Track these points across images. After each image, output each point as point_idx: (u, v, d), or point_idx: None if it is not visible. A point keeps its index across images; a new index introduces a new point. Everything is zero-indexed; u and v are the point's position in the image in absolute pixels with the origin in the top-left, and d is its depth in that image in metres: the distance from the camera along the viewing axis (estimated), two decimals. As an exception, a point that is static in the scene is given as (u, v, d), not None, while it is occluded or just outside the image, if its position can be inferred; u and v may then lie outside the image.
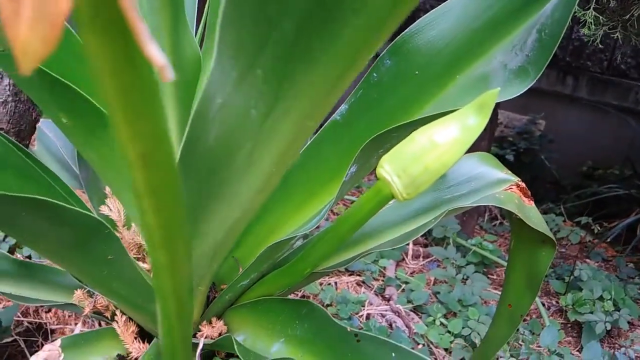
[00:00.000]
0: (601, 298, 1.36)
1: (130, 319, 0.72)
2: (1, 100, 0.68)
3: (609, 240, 2.06)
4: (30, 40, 0.15)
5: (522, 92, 0.49)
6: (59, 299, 0.72)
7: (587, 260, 1.86)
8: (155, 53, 0.16)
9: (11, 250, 1.26)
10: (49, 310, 1.11)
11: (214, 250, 0.53)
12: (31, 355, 1.02)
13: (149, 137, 0.19)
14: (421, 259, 1.58)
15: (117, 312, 0.71)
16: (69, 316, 1.11)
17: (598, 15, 0.89)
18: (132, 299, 0.63)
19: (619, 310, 1.33)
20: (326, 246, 0.55)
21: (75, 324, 1.11)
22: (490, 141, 1.87)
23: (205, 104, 0.32)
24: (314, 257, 0.57)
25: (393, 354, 0.50)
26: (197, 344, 0.66)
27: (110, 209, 0.71)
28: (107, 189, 0.71)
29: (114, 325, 0.71)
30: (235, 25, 0.25)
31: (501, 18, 0.52)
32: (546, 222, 1.98)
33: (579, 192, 2.45)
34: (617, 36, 0.95)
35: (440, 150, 0.44)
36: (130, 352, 0.70)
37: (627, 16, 0.88)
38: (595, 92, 2.60)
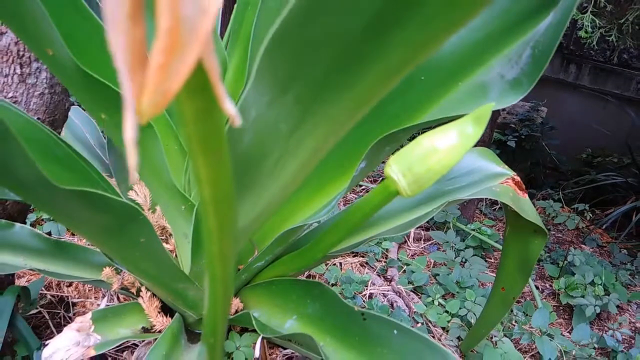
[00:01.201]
0: (592, 283, 1.43)
1: (154, 295, 0.78)
2: (39, 92, 0.73)
3: (604, 226, 2.12)
4: (149, 106, 0.21)
5: (516, 102, 0.54)
6: (88, 276, 0.79)
7: (583, 245, 1.92)
8: (230, 106, 0.22)
9: (31, 226, 1.33)
10: (70, 285, 1.18)
11: (238, 235, 0.59)
12: (55, 326, 1.10)
13: (216, 159, 0.25)
14: (422, 242, 1.65)
15: (142, 289, 0.78)
16: (89, 290, 1.17)
17: (595, 18, 0.93)
18: (159, 277, 0.69)
19: (608, 295, 1.40)
20: (337, 234, 0.61)
21: (95, 297, 1.18)
22: (492, 128, 1.92)
23: (241, 114, 0.38)
24: (326, 243, 0.63)
25: (395, 331, 0.56)
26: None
27: (137, 194, 0.77)
28: (135, 175, 0.77)
29: (140, 300, 0.77)
30: (273, 62, 0.31)
31: (500, 32, 0.57)
32: (544, 207, 2.04)
33: (577, 179, 2.51)
34: (613, 38, 1.00)
35: (442, 154, 0.49)
36: (154, 325, 0.77)
37: (623, 20, 0.92)
38: (597, 81, 2.64)
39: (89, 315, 0.76)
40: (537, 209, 2.15)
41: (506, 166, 0.84)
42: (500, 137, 2.43)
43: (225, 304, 0.40)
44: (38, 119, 0.75)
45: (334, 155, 0.68)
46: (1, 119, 0.35)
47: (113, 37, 0.20)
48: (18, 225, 0.77)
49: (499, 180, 0.82)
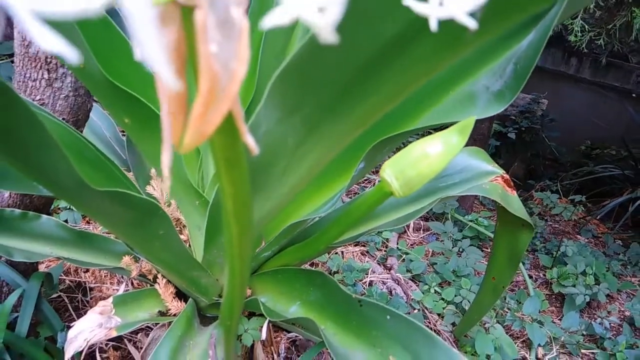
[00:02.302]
0: (584, 273, 1.49)
1: (169, 281, 0.85)
2: (64, 95, 0.80)
3: (599, 217, 2.17)
4: (189, 143, 0.27)
5: (499, 112, 0.60)
6: (109, 263, 0.85)
7: (578, 236, 1.98)
8: (250, 140, 0.28)
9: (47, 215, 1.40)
10: (87, 271, 1.25)
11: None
12: (73, 309, 1.17)
13: (238, 179, 0.32)
14: (421, 231, 1.71)
15: (159, 276, 0.84)
16: (105, 276, 1.25)
17: (584, 24, 0.98)
18: (175, 265, 0.76)
19: (599, 285, 1.46)
20: (338, 228, 0.68)
21: (110, 283, 1.26)
22: (492, 120, 1.98)
23: (252, 128, 0.44)
24: (328, 236, 0.70)
25: (388, 317, 0.63)
26: (227, 304, 0.79)
27: (154, 189, 0.84)
28: (152, 171, 0.84)
29: (156, 286, 0.84)
30: (282, 89, 0.37)
31: (487, 48, 0.63)
32: (542, 199, 2.10)
33: (576, 171, 2.56)
34: (601, 42, 1.05)
35: (430, 160, 0.56)
36: (170, 309, 0.84)
37: (611, 25, 0.97)
38: (598, 74, 2.67)
39: (110, 299, 0.83)
40: (535, 200, 2.21)
41: (496, 165, 0.90)
42: (501, 129, 2.48)
43: (241, 293, 0.46)
44: (63, 119, 0.81)
45: (335, 157, 0.74)
46: (49, 132, 0.42)
47: (161, 91, 0.27)
48: (44, 216, 0.84)
49: (489, 178, 0.88)
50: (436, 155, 0.55)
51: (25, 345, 0.85)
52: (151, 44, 0.17)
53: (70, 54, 0.13)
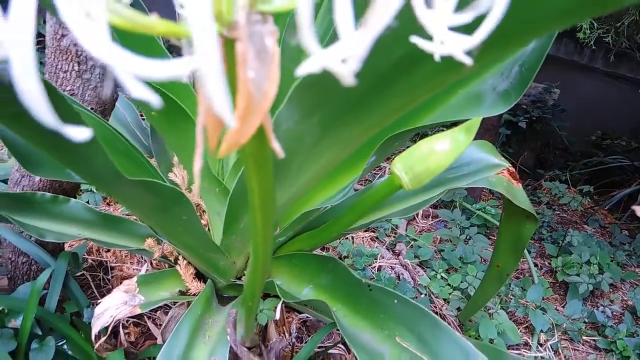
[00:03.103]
0: (588, 262, 1.53)
1: (189, 263, 0.90)
2: (92, 86, 0.84)
3: (608, 207, 2.20)
4: (225, 150, 0.32)
5: (504, 111, 0.64)
6: (133, 245, 0.91)
7: (585, 225, 2.01)
8: (277, 145, 0.33)
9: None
10: (108, 251, 1.31)
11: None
12: (95, 287, 1.23)
13: (265, 179, 0.36)
14: (430, 219, 1.75)
15: (180, 258, 0.90)
16: (125, 256, 1.30)
17: (593, 21, 1.01)
18: (195, 248, 0.81)
19: (602, 274, 1.50)
20: (350, 218, 0.72)
21: (130, 263, 1.31)
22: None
23: (273, 126, 0.48)
24: (340, 224, 0.74)
25: (395, 301, 0.67)
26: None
27: (176, 175, 0.88)
28: (175, 159, 0.88)
29: (177, 268, 0.89)
30: (301, 95, 0.42)
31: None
32: (551, 188, 2.12)
33: (585, 161, 2.58)
34: (610, 40, 1.08)
35: (438, 156, 0.60)
36: (189, 289, 0.89)
37: (619, 23, 1.00)
38: (610, 64, 2.67)
39: (134, 279, 0.88)
40: (543, 190, 2.24)
41: (503, 158, 0.93)
42: (511, 119, 2.50)
43: (263, 277, 0.51)
44: (92, 109, 0.86)
45: (344, 141, 0.79)
46: (86, 124, 0.46)
47: (202, 106, 0.31)
48: (73, 200, 0.89)
49: (496, 171, 0.92)
50: (443, 152, 0.59)
51: (55, 319, 0.90)
52: (214, 77, 0.21)
53: (156, 101, 0.17)
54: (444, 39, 0.26)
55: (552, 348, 1.28)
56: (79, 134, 0.19)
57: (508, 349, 1.23)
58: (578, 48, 2.73)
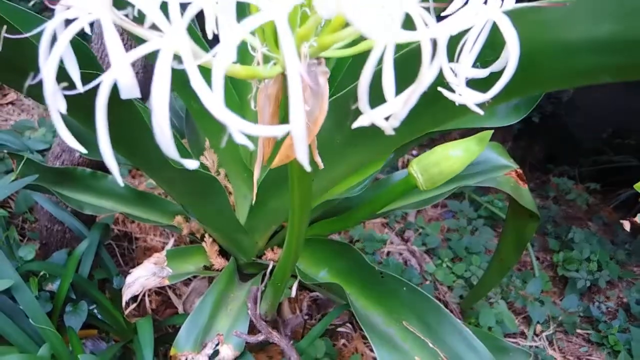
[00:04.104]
0: (588, 259, 1.59)
1: (214, 240, 0.97)
2: (134, 72, 0.91)
3: (613, 205, 2.25)
4: (277, 162, 0.39)
5: (514, 123, 0.70)
6: (164, 221, 0.98)
7: (589, 222, 2.06)
8: (318, 159, 0.39)
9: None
10: (133, 222, 1.38)
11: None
12: (121, 256, 1.31)
13: (306, 186, 0.43)
14: (439, 208, 1.82)
15: (206, 235, 0.97)
16: (149, 228, 1.38)
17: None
18: (222, 228, 0.88)
19: (600, 271, 1.56)
20: (368, 210, 0.79)
21: (154, 235, 1.39)
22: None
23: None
24: (357, 217, 0.81)
25: (404, 288, 0.74)
26: (265, 265, 0.91)
27: (207, 159, 0.95)
28: (207, 144, 0.95)
29: (203, 244, 0.96)
30: (332, 109, 0.48)
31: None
32: (558, 184, 2.16)
33: (595, 158, 2.61)
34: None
35: (451, 162, 0.66)
36: (214, 265, 0.96)
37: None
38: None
39: (163, 252, 0.95)
40: (551, 185, 2.29)
41: (511, 159, 0.99)
42: (525, 113, 2.53)
43: (294, 263, 0.58)
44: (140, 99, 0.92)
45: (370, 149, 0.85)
46: (138, 110, 0.53)
47: (260, 122, 0.38)
48: (110, 176, 0.96)
49: (504, 172, 0.98)
50: (457, 158, 0.66)
51: (88, 286, 0.98)
52: (298, 115, 0.26)
53: (192, 165, 0.24)
54: (463, 94, 0.33)
55: (547, 339, 1.35)
56: (191, 165, 0.26)
57: (505, 337, 1.30)
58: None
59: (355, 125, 0.27)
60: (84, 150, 0.29)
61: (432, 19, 0.25)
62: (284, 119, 0.39)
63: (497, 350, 0.89)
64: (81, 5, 0.28)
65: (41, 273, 0.95)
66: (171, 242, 1.09)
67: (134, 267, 1.05)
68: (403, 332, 0.71)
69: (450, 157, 0.66)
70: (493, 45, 0.33)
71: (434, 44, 0.26)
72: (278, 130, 0.24)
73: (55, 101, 0.27)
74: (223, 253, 0.98)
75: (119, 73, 0.25)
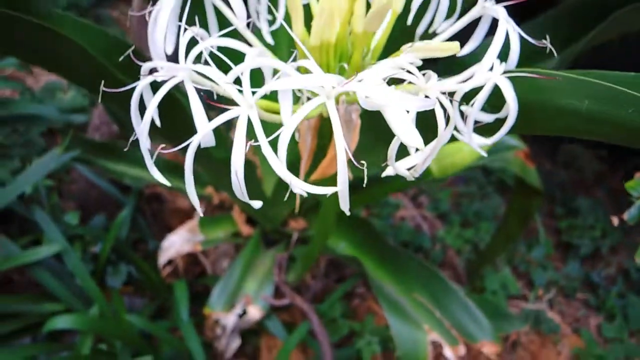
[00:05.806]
0: (592, 226, 1.66)
1: (242, 210, 1.06)
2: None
3: (623, 174, 2.29)
4: (315, 177, 0.47)
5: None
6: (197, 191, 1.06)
7: (597, 190, 2.12)
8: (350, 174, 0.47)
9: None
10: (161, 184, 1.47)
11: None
12: (151, 216, 1.39)
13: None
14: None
15: (234, 205, 1.05)
16: (177, 192, 1.46)
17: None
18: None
19: (604, 238, 1.63)
20: (386, 189, 0.87)
21: (183, 197, 1.48)
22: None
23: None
24: (374, 194, 0.89)
25: (416, 263, 0.83)
26: (288, 233, 1.00)
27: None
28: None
29: (232, 213, 1.05)
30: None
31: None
32: (567, 151, 2.20)
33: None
34: None
35: (463, 154, 0.73)
36: (242, 232, 1.05)
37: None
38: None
39: (196, 220, 1.04)
40: (562, 150, 2.34)
41: (520, 140, 1.06)
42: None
43: (324, 243, 0.66)
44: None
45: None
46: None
47: (302, 146, 0.45)
48: (147, 149, 1.04)
49: (513, 152, 1.04)
50: (468, 151, 0.73)
51: (125, 248, 1.08)
52: (342, 144, 0.34)
53: (257, 205, 0.32)
54: (470, 138, 0.40)
55: (548, 302, 1.44)
56: (256, 205, 0.34)
57: (508, 299, 1.39)
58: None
59: (383, 175, 0.35)
60: (168, 184, 0.37)
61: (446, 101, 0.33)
62: (320, 142, 0.46)
63: (498, 316, 0.98)
64: (167, 69, 0.36)
65: (85, 238, 1.05)
66: (201, 210, 1.17)
67: (164, 226, 1.14)
68: (413, 302, 0.80)
69: (462, 150, 0.73)
70: (496, 94, 0.40)
71: (447, 115, 0.33)
72: (325, 190, 0.31)
73: (148, 153, 0.35)
74: (250, 221, 1.07)
75: (203, 135, 0.33)
